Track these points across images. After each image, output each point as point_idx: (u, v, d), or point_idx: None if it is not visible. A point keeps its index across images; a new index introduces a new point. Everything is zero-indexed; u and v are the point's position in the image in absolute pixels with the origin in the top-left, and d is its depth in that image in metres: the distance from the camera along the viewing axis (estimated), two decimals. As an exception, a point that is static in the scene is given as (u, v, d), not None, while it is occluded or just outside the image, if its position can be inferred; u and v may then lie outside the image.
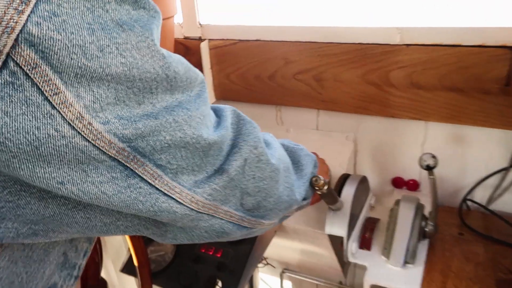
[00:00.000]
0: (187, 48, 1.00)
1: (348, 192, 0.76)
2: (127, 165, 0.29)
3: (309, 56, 0.86)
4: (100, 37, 0.25)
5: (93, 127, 0.26)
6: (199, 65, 0.98)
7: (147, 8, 0.28)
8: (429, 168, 0.69)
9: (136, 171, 0.29)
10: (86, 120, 0.25)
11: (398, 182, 0.92)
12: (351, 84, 0.84)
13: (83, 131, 0.25)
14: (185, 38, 0.99)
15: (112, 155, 0.27)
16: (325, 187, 0.62)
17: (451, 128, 0.82)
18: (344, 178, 0.80)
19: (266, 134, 0.51)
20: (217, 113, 0.41)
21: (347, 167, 0.90)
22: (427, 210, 0.78)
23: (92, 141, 0.26)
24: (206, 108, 0.35)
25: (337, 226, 0.74)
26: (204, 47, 0.96)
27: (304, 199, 0.58)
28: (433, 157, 0.69)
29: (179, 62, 0.32)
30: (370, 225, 0.81)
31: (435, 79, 0.76)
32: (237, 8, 0.94)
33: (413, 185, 0.91)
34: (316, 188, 0.61)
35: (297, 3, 0.87)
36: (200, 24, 0.96)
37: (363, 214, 0.83)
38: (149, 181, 0.30)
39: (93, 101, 0.25)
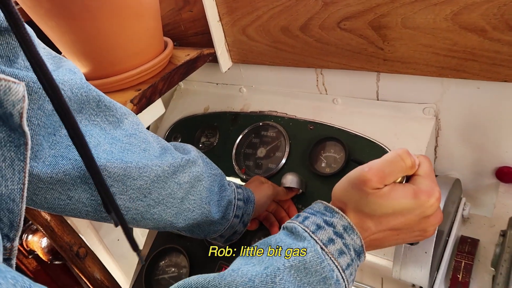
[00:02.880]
0: (185, -5, 0.71)
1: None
2: None
3: (361, -10, 0.53)
4: None
5: None
6: (203, 18, 0.70)
7: None
8: None
9: None
10: None
11: (506, 174, 0.61)
12: (433, 31, 0.52)
13: None
14: (180, -20, 0.70)
15: None
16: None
17: None
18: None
19: None
20: None
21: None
22: None
23: None
24: None
25: (413, 268, 0.48)
26: (206, -9, 0.66)
27: None
28: None
29: None
30: (466, 255, 0.53)
31: None
32: None
33: (532, 179, 0.59)
34: None
35: None
36: (195, -43, 0.66)
37: (453, 234, 0.54)
38: None
39: None
